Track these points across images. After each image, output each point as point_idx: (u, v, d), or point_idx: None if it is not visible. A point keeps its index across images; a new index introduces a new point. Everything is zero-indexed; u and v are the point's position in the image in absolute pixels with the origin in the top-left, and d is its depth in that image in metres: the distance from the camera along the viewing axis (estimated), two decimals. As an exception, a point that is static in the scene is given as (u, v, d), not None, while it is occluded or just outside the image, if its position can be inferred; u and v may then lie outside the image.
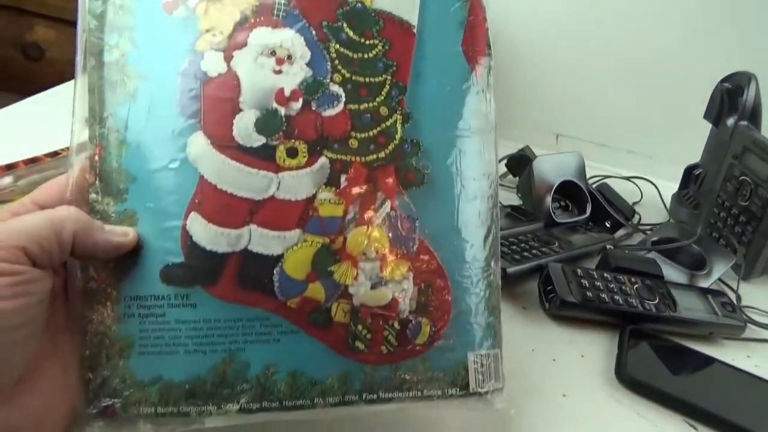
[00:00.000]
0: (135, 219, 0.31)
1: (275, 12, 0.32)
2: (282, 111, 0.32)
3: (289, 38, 0.32)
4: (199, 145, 0.31)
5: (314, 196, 0.32)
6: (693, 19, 0.81)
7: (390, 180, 0.33)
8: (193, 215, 0.31)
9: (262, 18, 0.32)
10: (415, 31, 0.34)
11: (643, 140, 0.85)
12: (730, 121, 0.70)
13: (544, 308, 0.53)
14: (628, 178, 0.78)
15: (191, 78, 0.31)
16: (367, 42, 0.33)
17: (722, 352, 0.53)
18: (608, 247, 0.61)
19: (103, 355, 0.30)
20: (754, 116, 0.69)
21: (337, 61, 0.33)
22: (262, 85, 0.32)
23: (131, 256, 0.30)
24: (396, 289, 0.32)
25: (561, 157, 0.67)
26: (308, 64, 0.32)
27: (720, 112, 0.72)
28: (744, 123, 0.68)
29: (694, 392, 0.46)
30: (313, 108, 0.32)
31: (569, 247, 0.59)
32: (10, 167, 0.52)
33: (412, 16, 0.34)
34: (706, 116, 0.73)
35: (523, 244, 0.57)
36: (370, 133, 0.33)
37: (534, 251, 0.56)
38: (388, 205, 0.33)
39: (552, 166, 0.65)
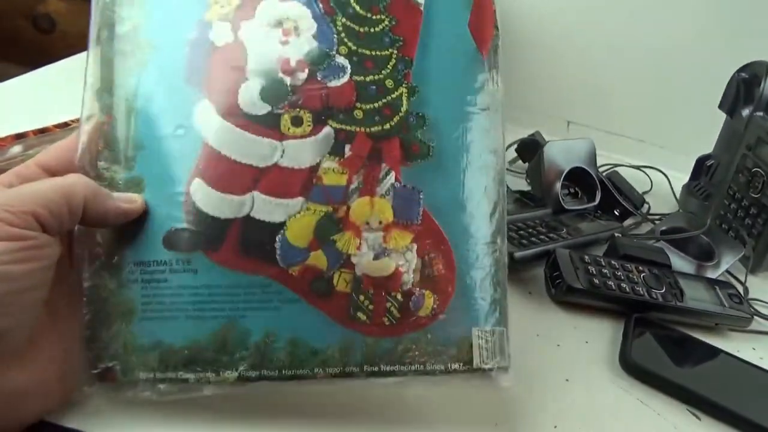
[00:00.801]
0: (142, 186, 0.31)
1: None
2: (287, 80, 0.32)
3: (296, 10, 0.32)
4: (205, 112, 0.31)
5: (318, 164, 0.32)
6: (709, 7, 0.80)
7: (395, 151, 0.33)
8: (197, 181, 0.31)
9: None
10: (422, 8, 0.34)
11: (655, 130, 0.84)
12: (746, 112, 0.69)
13: (551, 294, 0.52)
14: (638, 167, 0.77)
15: (199, 47, 0.32)
16: (374, 17, 0.33)
17: (728, 343, 0.53)
18: (616, 235, 0.60)
19: (106, 319, 0.31)
20: (770, 108, 0.67)
21: (343, 34, 0.33)
22: (269, 55, 0.32)
23: (136, 222, 0.31)
24: (399, 260, 0.32)
25: (572, 143, 0.66)
26: (314, 37, 0.32)
27: (735, 102, 0.70)
28: (759, 114, 0.67)
29: (698, 381, 0.45)
30: (319, 78, 0.32)
31: (577, 233, 0.59)
32: (20, 136, 0.52)
33: None
34: (721, 106, 0.72)
35: (530, 230, 0.56)
36: (376, 105, 0.33)
37: (542, 237, 0.56)
38: (392, 176, 0.33)
39: (562, 152, 0.64)
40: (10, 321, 0.26)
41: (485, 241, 0.34)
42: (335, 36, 0.33)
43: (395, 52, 0.33)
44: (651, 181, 0.76)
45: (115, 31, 0.32)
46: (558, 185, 0.62)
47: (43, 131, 0.53)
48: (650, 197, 0.74)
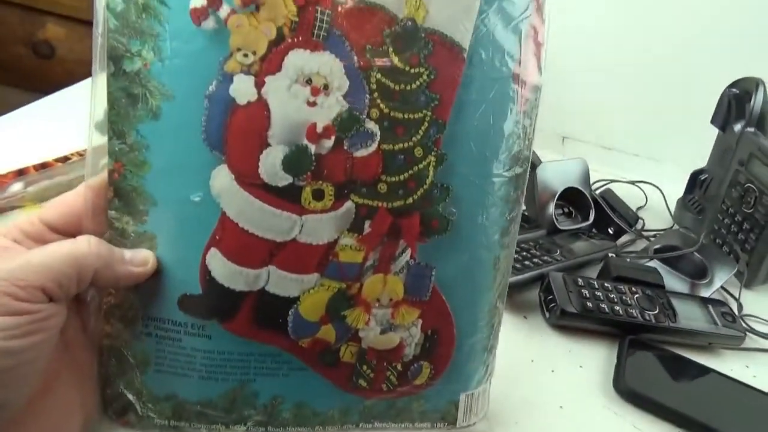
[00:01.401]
0: (154, 243, 0.30)
1: (315, 31, 0.29)
2: (312, 149, 0.29)
3: (328, 64, 0.29)
4: (222, 180, 0.29)
5: (336, 240, 0.31)
6: (702, 22, 0.81)
7: (414, 228, 0.32)
8: (213, 251, 0.30)
9: (300, 38, 0.29)
10: (464, 56, 0.30)
11: (649, 144, 0.85)
12: (737, 127, 0.70)
13: (545, 317, 0.53)
14: (633, 182, 0.78)
15: (218, 103, 0.29)
16: (413, 70, 0.30)
17: (721, 362, 0.54)
18: (610, 255, 0.61)
19: (120, 368, 0.31)
20: (761, 122, 0.68)
21: (376, 94, 0.30)
22: (294, 117, 0.29)
23: (151, 277, 0.30)
24: (403, 334, 0.33)
25: (565, 163, 0.67)
26: (345, 96, 0.29)
27: (727, 117, 0.71)
28: (751, 129, 0.68)
29: (691, 404, 0.46)
30: (345, 147, 0.30)
31: (571, 255, 0.59)
32: (20, 173, 0.53)
33: (464, 38, 0.30)
34: (713, 121, 0.73)
35: (525, 252, 0.57)
36: (401, 177, 0.31)
37: (536, 260, 0.57)
38: (408, 253, 0.32)
39: (555, 173, 0.65)
40: (9, 393, 0.26)
41: (487, 309, 0.34)
42: (367, 96, 0.30)
43: (429, 114, 0.31)
44: (646, 196, 0.77)
45: (123, 66, 0.29)
46: (552, 206, 0.63)
47: (44, 166, 0.53)
48: (645, 212, 0.75)
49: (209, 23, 0.28)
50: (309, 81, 0.29)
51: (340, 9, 0.29)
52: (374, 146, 0.30)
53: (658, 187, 0.77)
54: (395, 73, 0.30)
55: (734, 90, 0.71)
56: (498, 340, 0.36)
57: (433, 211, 0.32)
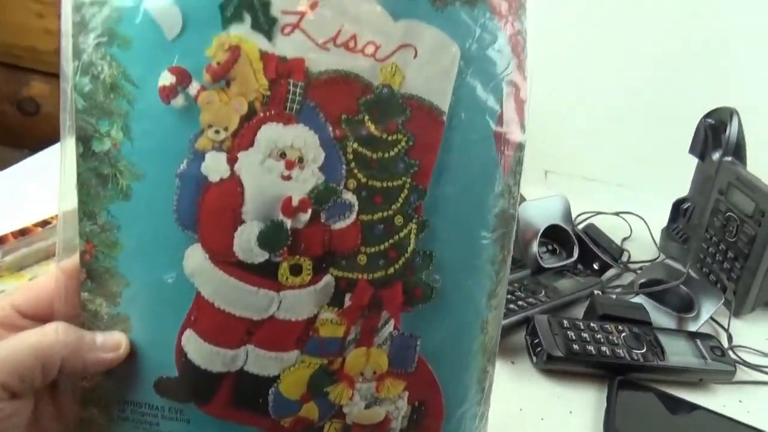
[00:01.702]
0: (128, 324, 0.30)
1: (288, 104, 0.29)
2: (288, 223, 0.29)
3: (302, 137, 0.29)
4: (196, 259, 0.29)
5: (316, 316, 0.30)
6: (677, 52, 0.83)
7: (396, 298, 0.31)
8: (189, 333, 0.30)
9: (272, 111, 0.29)
10: (444, 119, 0.30)
11: (632, 174, 0.85)
12: (715, 156, 0.71)
13: (532, 362, 0.53)
14: (617, 213, 0.78)
15: (190, 182, 0.28)
16: (390, 138, 0.30)
17: (714, 397, 0.53)
18: (596, 292, 0.61)
19: None
20: (738, 151, 0.69)
21: (353, 164, 0.29)
22: (269, 192, 0.29)
23: (126, 359, 0.30)
24: (389, 408, 0.32)
25: (546, 201, 0.67)
26: (321, 168, 0.29)
27: (704, 147, 0.72)
28: (728, 159, 0.69)
29: (684, 447, 0.46)
30: (323, 220, 0.29)
31: (556, 295, 0.59)
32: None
33: (443, 101, 0.30)
34: (692, 151, 0.74)
35: (509, 295, 0.57)
36: (381, 247, 0.30)
37: (521, 302, 0.57)
38: (391, 324, 0.31)
39: (538, 211, 0.65)
40: None
41: (477, 374, 0.34)
42: (344, 167, 0.29)
43: (409, 180, 0.30)
44: (630, 227, 0.77)
45: (92, 147, 0.29)
46: (535, 244, 0.63)
47: (23, 233, 0.53)
48: (630, 243, 0.75)
49: (179, 101, 0.28)
50: (283, 155, 0.29)
51: (313, 80, 0.29)
52: (352, 217, 0.30)
53: (642, 218, 0.77)
54: (372, 141, 0.30)
55: (710, 120, 0.72)
56: (489, 404, 0.35)
57: (415, 279, 0.31)
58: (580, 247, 0.67)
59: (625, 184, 0.86)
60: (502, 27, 0.31)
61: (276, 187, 0.29)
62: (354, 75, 0.29)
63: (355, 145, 0.30)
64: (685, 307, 0.63)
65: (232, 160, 0.29)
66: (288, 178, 0.29)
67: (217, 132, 0.29)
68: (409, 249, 0.31)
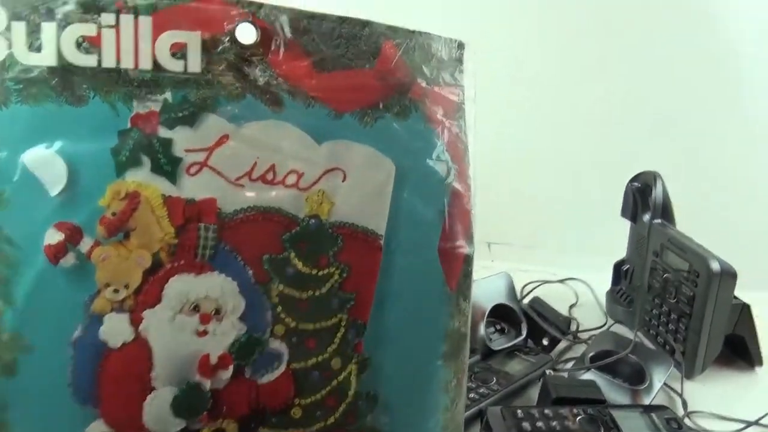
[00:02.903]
0: None
1: (200, 251, 0.26)
2: (207, 384, 0.26)
3: (218, 286, 0.26)
4: None
5: None
6: (603, 117, 0.86)
7: None
8: None
9: (181, 261, 0.26)
10: (381, 243, 0.28)
11: (572, 238, 0.87)
12: (646, 218, 0.72)
13: (492, 460, 0.50)
14: (562, 281, 0.78)
15: (87, 350, 0.25)
16: (321, 273, 0.27)
17: (677, 476, 0.52)
18: (548, 372, 0.60)
19: None
20: (665, 213, 0.71)
21: (279, 308, 0.27)
22: (182, 352, 0.26)
23: None
24: None
25: (489, 281, 0.66)
26: (242, 318, 0.26)
27: (635, 209, 0.74)
28: (658, 221, 0.70)
29: None
30: (247, 375, 0.26)
31: (508, 380, 0.57)
32: None
33: (379, 224, 0.28)
34: (623, 214, 0.75)
35: (462, 387, 0.55)
36: (318, 396, 0.27)
37: (472, 394, 0.54)
38: None
39: (482, 292, 0.64)
40: None
41: None
42: (269, 313, 0.26)
43: (344, 317, 0.27)
44: (576, 294, 0.77)
45: None
46: (482, 326, 0.61)
47: None
48: (577, 310, 0.75)
49: (69, 260, 0.25)
50: (197, 308, 0.26)
51: (227, 221, 0.26)
52: (282, 368, 0.27)
53: (586, 283, 0.78)
54: (301, 280, 0.27)
55: (636, 184, 0.74)
56: None
57: (360, 425, 0.28)
58: (528, 323, 0.65)
59: (566, 249, 0.87)
60: (440, 134, 0.30)
61: (190, 346, 0.26)
62: (275, 209, 0.27)
63: (281, 287, 0.27)
64: (636, 376, 0.62)
65: (136, 321, 0.26)
66: (204, 333, 0.26)
67: (116, 291, 0.26)
68: (350, 393, 0.28)
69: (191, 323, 0.26)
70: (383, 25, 0.28)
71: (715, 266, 0.62)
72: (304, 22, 0.27)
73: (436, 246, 0.29)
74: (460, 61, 0.31)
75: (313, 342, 0.27)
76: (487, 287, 0.65)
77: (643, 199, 0.73)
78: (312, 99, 0.27)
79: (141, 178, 0.25)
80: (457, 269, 0.30)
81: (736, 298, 0.65)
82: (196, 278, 0.26)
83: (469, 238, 0.31)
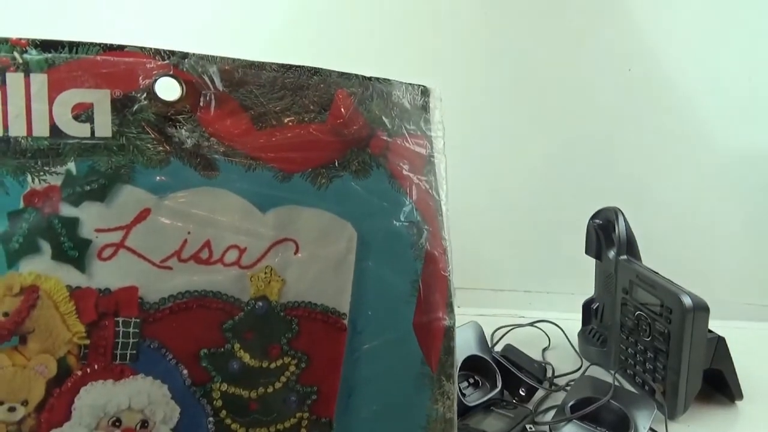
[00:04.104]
0: None
1: (119, 351, 0.21)
2: None
3: (144, 392, 0.21)
4: None
5: None
6: (560, 154, 0.86)
7: None
8: None
9: (95, 366, 0.21)
10: (345, 323, 0.24)
11: (537, 278, 0.85)
12: (611, 254, 0.71)
13: None
14: (532, 324, 0.75)
15: None
16: (273, 365, 0.23)
17: None
18: (528, 427, 0.56)
19: None
20: (630, 248, 0.69)
21: (223, 413, 0.22)
22: None
23: None
24: None
25: (458, 332, 0.62)
26: (176, 430, 0.21)
27: (599, 246, 0.72)
28: (624, 257, 0.68)
29: None
30: None
31: (489, 441, 0.53)
32: None
33: (341, 301, 0.24)
34: (588, 252, 0.73)
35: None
36: None
37: (453, 462, 0.49)
38: None
39: (453, 344, 0.60)
40: None
41: None
42: (211, 419, 0.22)
43: (305, 415, 0.23)
44: (548, 336, 0.74)
45: None
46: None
47: None
48: (551, 353, 0.72)
49: None
50: (117, 423, 0.21)
51: (153, 312, 0.22)
52: None
53: (556, 324, 0.75)
54: (248, 376, 0.22)
55: (597, 221, 0.73)
56: None
57: None
58: (502, 373, 0.62)
59: (532, 289, 0.85)
60: (407, 191, 0.26)
61: None
62: (213, 294, 0.22)
63: (225, 387, 0.22)
64: (620, 422, 0.58)
65: None
66: None
67: (11, 410, 0.20)
68: None
69: (110, 445, 0.21)
70: (335, 72, 0.25)
71: (687, 301, 0.60)
72: (239, 72, 0.23)
73: (411, 321, 0.25)
74: (425, 109, 0.27)
75: None
76: (457, 338, 0.61)
77: (606, 235, 0.72)
78: (253, 160, 0.23)
79: (40, 268, 0.21)
80: (437, 345, 0.26)
81: (710, 331, 0.63)
82: (114, 385, 0.21)
83: (449, 307, 0.27)
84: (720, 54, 0.88)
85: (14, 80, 0.20)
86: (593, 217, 0.72)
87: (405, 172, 0.26)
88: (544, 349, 0.72)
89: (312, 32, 0.80)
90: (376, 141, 0.26)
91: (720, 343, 0.63)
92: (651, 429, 0.59)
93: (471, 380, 0.61)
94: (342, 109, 0.25)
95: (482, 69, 0.84)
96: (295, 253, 0.24)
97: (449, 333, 0.26)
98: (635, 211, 0.71)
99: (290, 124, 0.24)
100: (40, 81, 0.20)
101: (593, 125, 0.85)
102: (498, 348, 0.68)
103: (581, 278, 0.76)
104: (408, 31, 0.82)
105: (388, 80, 0.27)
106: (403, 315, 0.25)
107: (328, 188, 0.24)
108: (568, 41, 0.84)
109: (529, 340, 0.71)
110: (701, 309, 0.60)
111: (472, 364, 0.61)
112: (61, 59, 0.20)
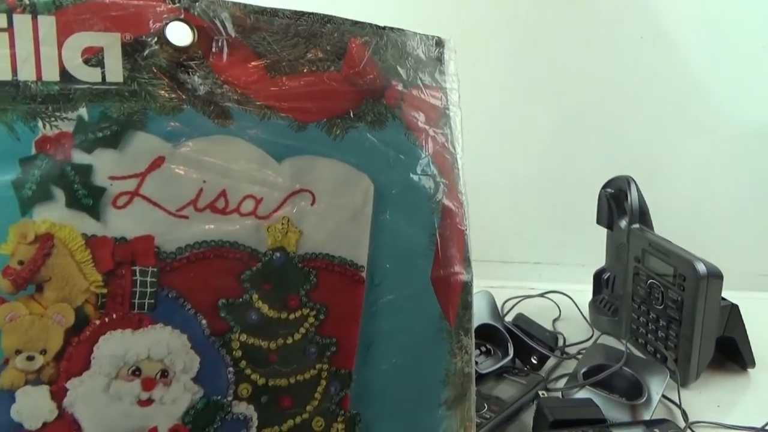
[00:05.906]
0: None
1: (137, 300, 0.21)
2: None
3: (163, 342, 0.21)
4: None
5: None
6: (576, 124, 0.85)
7: None
8: None
9: (113, 315, 0.21)
10: (363, 275, 0.23)
11: (548, 250, 0.84)
12: (623, 223, 0.70)
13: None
14: (542, 295, 0.75)
15: None
16: (291, 316, 0.22)
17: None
18: (541, 393, 0.56)
19: None
20: (643, 217, 0.69)
21: (243, 363, 0.22)
22: (122, 428, 0.21)
23: None
24: None
25: (471, 300, 0.62)
26: (196, 379, 0.21)
27: (610, 216, 0.72)
28: (636, 226, 0.68)
29: None
30: None
31: (501, 406, 0.53)
32: None
33: (359, 253, 0.23)
34: (599, 222, 0.73)
35: (453, 421, 0.50)
36: None
37: (466, 427, 0.49)
38: None
39: (465, 313, 0.60)
40: None
41: None
42: (231, 370, 0.21)
43: (325, 367, 0.23)
44: (558, 307, 0.74)
45: None
46: (469, 350, 0.57)
47: None
48: (562, 323, 0.72)
49: None
50: (137, 372, 0.21)
51: (170, 262, 0.21)
52: None
53: (567, 295, 0.75)
54: (267, 327, 0.22)
55: (609, 190, 0.72)
56: None
57: None
58: (513, 342, 0.62)
59: (543, 261, 0.85)
60: (423, 144, 0.25)
61: (132, 419, 0.21)
62: (230, 244, 0.22)
63: (244, 338, 0.22)
64: (633, 389, 0.59)
65: (59, 395, 0.20)
66: (148, 402, 0.21)
67: (30, 359, 0.20)
68: None
69: (131, 391, 0.21)
70: (348, 21, 0.24)
71: (701, 268, 0.59)
72: (251, 18, 0.23)
73: (429, 275, 0.25)
74: (440, 60, 0.27)
75: (288, 400, 0.22)
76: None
77: (618, 204, 0.71)
78: (267, 109, 0.23)
79: (54, 216, 0.20)
80: (455, 300, 0.25)
81: (723, 299, 0.62)
82: (133, 335, 0.21)
83: (466, 262, 0.26)
84: (734, 21, 0.86)
85: (21, 22, 0.19)
86: (605, 186, 0.71)
87: (421, 124, 0.26)
88: (555, 320, 0.72)
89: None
90: (391, 92, 0.25)
91: (733, 310, 0.63)
92: (663, 395, 0.59)
93: (483, 348, 0.61)
94: (356, 58, 0.24)
95: (493, 37, 0.82)
96: (312, 204, 0.23)
97: (467, 288, 0.26)
98: (646, 181, 0.70)
99: (304, 72, 0.23)
100: (48, 23, 0.20)
101: (604, 94, 0.84)
102: (509, 318, 0.68)
103: (591, 250, 0.76)
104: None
105: (402, 30, 0.26)
106: (421, 269, 0.25)
107: (343, 139, 0.24)
108: (580, 8, 0.82)
109: (540, 311, 0.71)
110: (715, 276, 0.60)
111: (483, 332, 0.61)
112: (69, 1, 0.20)
